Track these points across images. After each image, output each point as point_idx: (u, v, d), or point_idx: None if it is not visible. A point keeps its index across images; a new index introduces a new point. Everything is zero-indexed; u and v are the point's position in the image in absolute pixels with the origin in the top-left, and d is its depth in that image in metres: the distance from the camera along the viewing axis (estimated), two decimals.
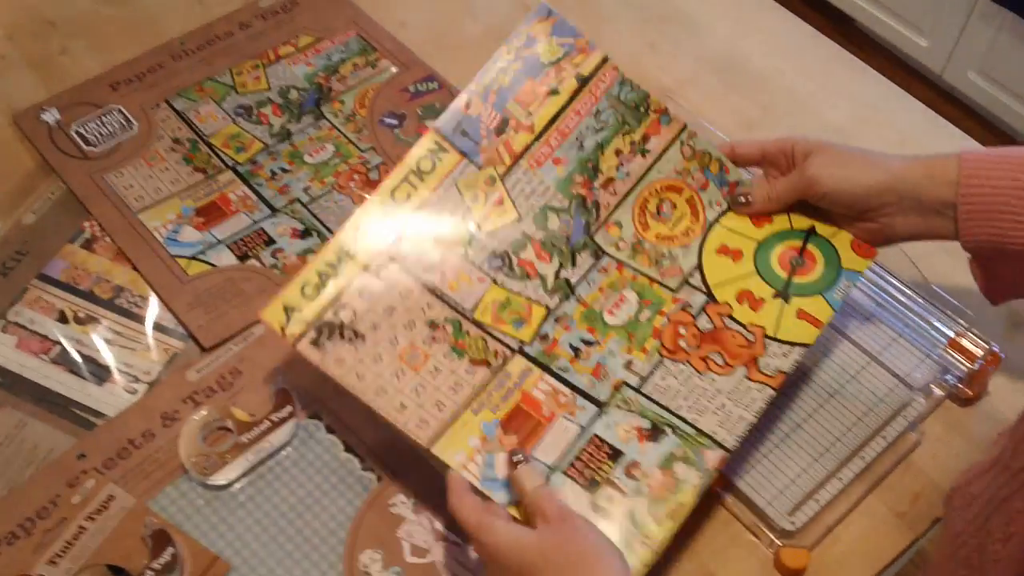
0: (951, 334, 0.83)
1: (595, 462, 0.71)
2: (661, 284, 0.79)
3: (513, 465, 0.69)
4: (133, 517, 0.75)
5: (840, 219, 0.80)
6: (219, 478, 0.76)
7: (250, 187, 0.95)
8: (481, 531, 0.64)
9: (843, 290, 0.78)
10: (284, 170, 0.96)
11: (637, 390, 0.74)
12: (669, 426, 0.72)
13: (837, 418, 0.79)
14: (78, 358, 0.84)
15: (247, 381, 0.82)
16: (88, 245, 0.91)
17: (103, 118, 0.99)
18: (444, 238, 0.76)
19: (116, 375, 0.83)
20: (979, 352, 0.82)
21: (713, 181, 0.82)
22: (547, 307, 0.77)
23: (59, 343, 0.85)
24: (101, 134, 0.98)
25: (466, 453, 0.71)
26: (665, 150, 0.82)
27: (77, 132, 0.98)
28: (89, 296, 0.87)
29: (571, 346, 0.76)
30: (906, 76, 2.20)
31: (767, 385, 0.74)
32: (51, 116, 0.99)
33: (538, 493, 0.66)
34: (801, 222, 0.81)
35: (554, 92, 0.79)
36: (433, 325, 0.74)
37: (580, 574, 0.61)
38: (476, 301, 0.75)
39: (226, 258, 0.90)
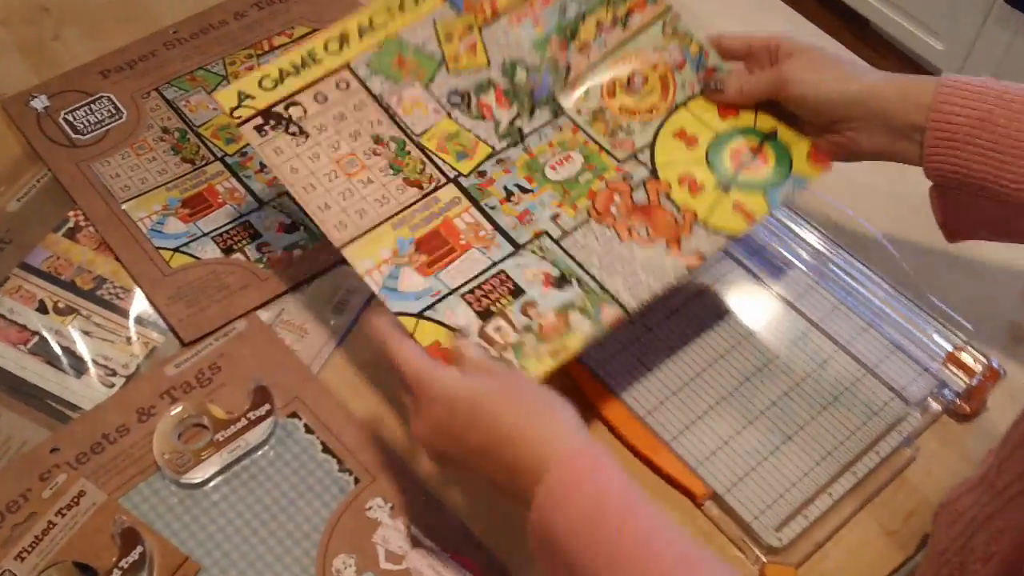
0: (950, 348, 0.80)
1: (495, 294, 0.72)
2: (609, 153, 0.79)
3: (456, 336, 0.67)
4: (103, 514, 0.73)
5: (806, 126, 0.78)
6: (193, 476, 0.75)
7: (238, 179, 0.93)
8: (422, 373, 0.63)
9: (786, 193, 0.77)
10: None
11: (556, 241, 0.75)
12: (577, 279, 0.73)
13: (830, 431, 0.77)
14: (57, 349, 0.82)
15: (226, 377, 0.80)
16: (72, 235, 0.89)
17: (92, 106, 0.98)
18: (409, 66, 0.79)
19: (94, 368, 0.81)
20: (978, 367, 0.79)
21: (690, 62, 0.82)
22: (492, 148, 0.79)
23: (38, 333, 0.83)
24: (89, 122, 0.96)
25: (374, 261, 0.73)
26: (646, 26, 0.82)
27: (65, 119, 0.96)
28: (70, 287, 0.86)
29: (505, 188, 0.77)
30: None
31: (681, 262, 0.74)
32: (40, 103, 0.98)
33: (479, 358, 0.65)
34: (765, 122, 0.80)
35: None
36: (377, 140, 0.77)
37: (525, 415, 0.60)
38: (426, 128, 0.78)
39: (211, 251, 0.88)
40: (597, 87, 0.81)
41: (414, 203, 0.75)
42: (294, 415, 0.79)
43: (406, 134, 0.78)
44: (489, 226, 0.75)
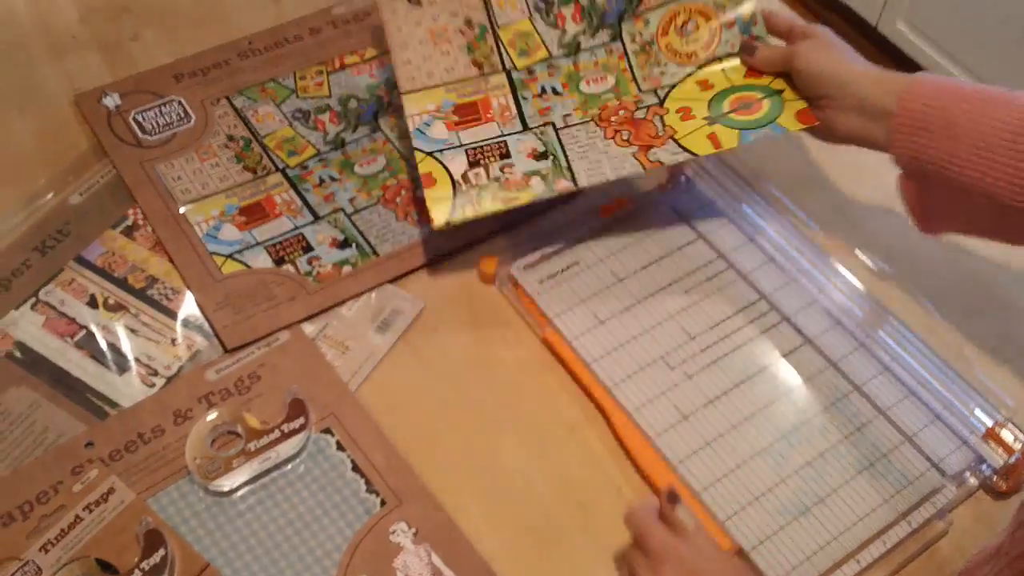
0: (990, 423, 0.79)
1: (489, 153, 0.89)
2: (637, 83, 0.93)
3: (671, 501, 0.69)
4: (130, 513, 0.74)
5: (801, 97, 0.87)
6: (222, 484, 0.75)
7: (297, 191, 0.94)
8: (681, 540, 0.68)
9: (761, 135, 0.86)
10: (333, 178, 0.95)
11: (556, 129, 0.90)
12: (553, 156, 0.88)
13: (863, 496, 0.76)
14: (103, 345, 0.84)
15: (265, 387, 0.81)
16: (129, 232, 0.91)
17: (162, 108, 1.00)
18: None
19: (137, 366, 0.83)
20: (1017, 445, 0.77)
21: (739, 24, 0.92)
22: (550, 53, 0.94)
23: (86, 328, 0.84)
24: (158, 123, 0.98)
25: (420, 109, 0.91)
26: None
27: (135, 119, 0.98)
28: (122, 284, 0.87)
29: (542, 87, 0.93)
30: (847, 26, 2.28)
31: (641, 164, 0.85)
32: (112, 101, 1.00)
33: (699, 532, 0.69)
34: (778, 84, 0.89)
35: None
36: (468, 22, 0.94)
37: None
38: (508, 22, 0.94)
39: (262, 260, 0.89)
40: (656, 22, 0.93)
41: (471, 78, 0.92)
42: (327, 431, 0.79)
43: (491, 22, 0.94)
44: (515, 108, 0.91)
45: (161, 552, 0.71)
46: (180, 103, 1.00)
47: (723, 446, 0.78)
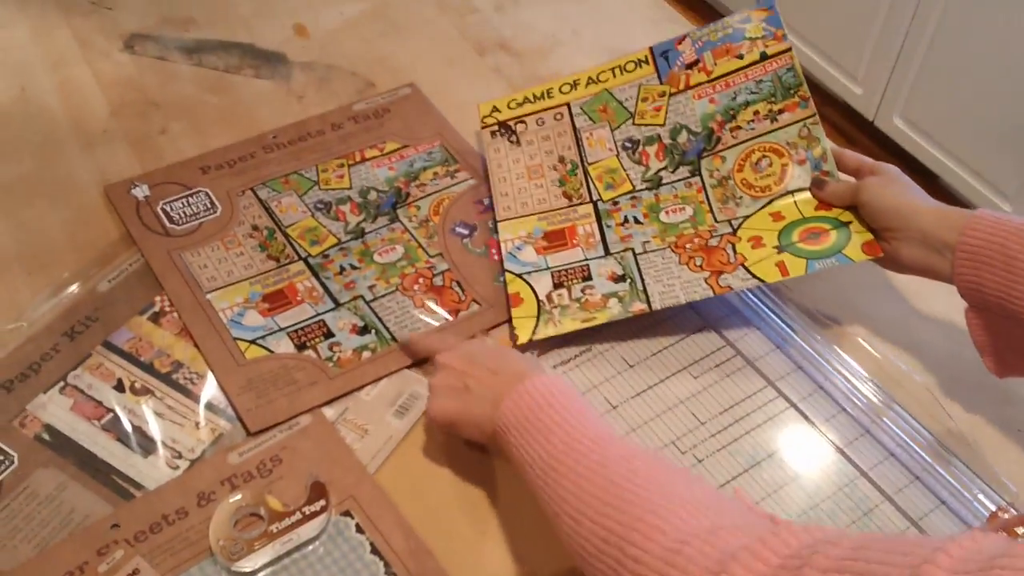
0: (993, 508, 0.81)
1: (572, 276, 0.96)
2: (713, 215, 0.98)
3: None
4: None
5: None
6: (244, 565, 0.77)
7: (318, 279, 0.97)
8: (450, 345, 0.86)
9: (827, 264, 0.90)
10: (353, 267, 0.99)
11: (635, 255, 0.97)
12: (631, 279, 0.95)
13: None
14: (128, 428, 0.86)
15: (286, 470, 0.83)
16: (155, 319, 0.94)
17: (190, 199, 1.04)
18: (609, 113, 1.06)
19: (162, 449, 0.85)
20: (1020, 530, 0.79)
21: (810, 161, 0.97)
22: (634, 186, 1.02)
23: (112, 411, 0.87)
24: (185, 213, 1.02)
25: (512, 236, 1.01)
26: (790, 124, 0.98)
27: (163, 209, 1.02)
28: (149, 368, 0.90)
29: (625, 216, 1.00)
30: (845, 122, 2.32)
31: (712, 289, 0.91)
32: (141, 191, 1.04)
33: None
34: (846, 216, 0.93)
35: (740, 57, 1.02)
36: (561, 160, 1.05)
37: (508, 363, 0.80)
38: (597, 159, 1.04)
39: (284, 346, 0.92)
40: (733, 158, 0.99)
41: (561, 209, 1.02)
42: (347, 513, 0.81)
43: (581, 159, 1.04)
44: (598, 235, 0.99)
45: None
46: (207, 194, 1.04)
47: None
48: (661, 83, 1.04)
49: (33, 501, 0.81)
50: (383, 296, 0.96)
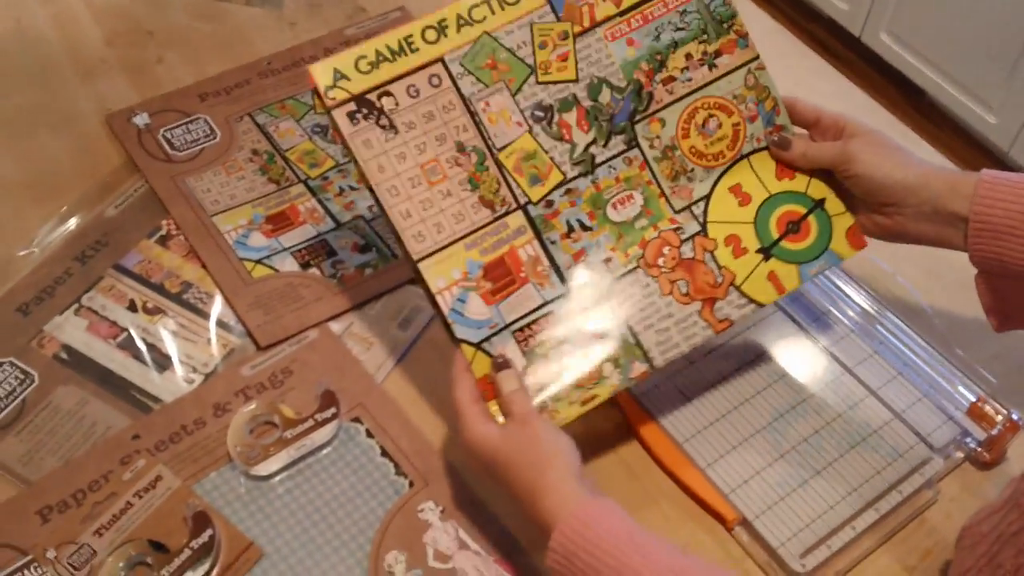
0: (973, 399, 0.85)
1: (541, 337, 0.78)
2: (668, 200, 0.82)
3: (496, 368, 0.76)
4: (177, 498, 0.79)
5: (857, 203, 0.83)
6: (261, 469, 0.81)
7: (319, 201, 1.00)
8: (462, 419, 0.73)
9: (819, 269, 0.83)
10: (352, 188, 1.01)
11: (604, 287, 0.79)
12: (616, 330, 0.79)
13: (856, 469, 0.82)
14: (143, 346, 0.89)
15: (297, 381, 0.87)
16: (163, 242, 0.96)
17: (189, 125, 1.06)
18: (501, 70, 0.79)
19: (176, 365, 0.88)
20: (999, 419, 0.83)
21: (762, 116, 0.85)
22: (564, 175, 0.80)
23: (127, 330, 0.90)
24: (186, 140, 1.04)
25: (446, 281, 0.77)
26: (731, 71, 0.84)
27: (164, 136, 1.04)
28: (159, 289, 0.93)
29: (568, 223, 0.80)
30: (974, 151, 2.23)
31: (711, 327, 0.80)
32: (141, 120, 1.06)
33: (511, 396, 0.74)
34: (817, 190, 0.84)
35: None
36: (461, 148, 0.78)
37: (536, 470, 0.69)
38: (507, 142, 0.79)
39: (289, 264, 0.95)
40: (674, 122, 0.83)
41: (486, 225, 0.78)
42: (357, 420, 0.85)
43: (488, 147, 0.79)
44: (547, 262, 0.79)
45: (209, 532, 0.77)
46: (206, 121, 1.06)
47: (725, 426, 0.84)
48: (558, 19, 0.80)
49: (56, 416, 0.84)
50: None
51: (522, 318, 0.77)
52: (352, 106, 0.76)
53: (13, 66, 1.13)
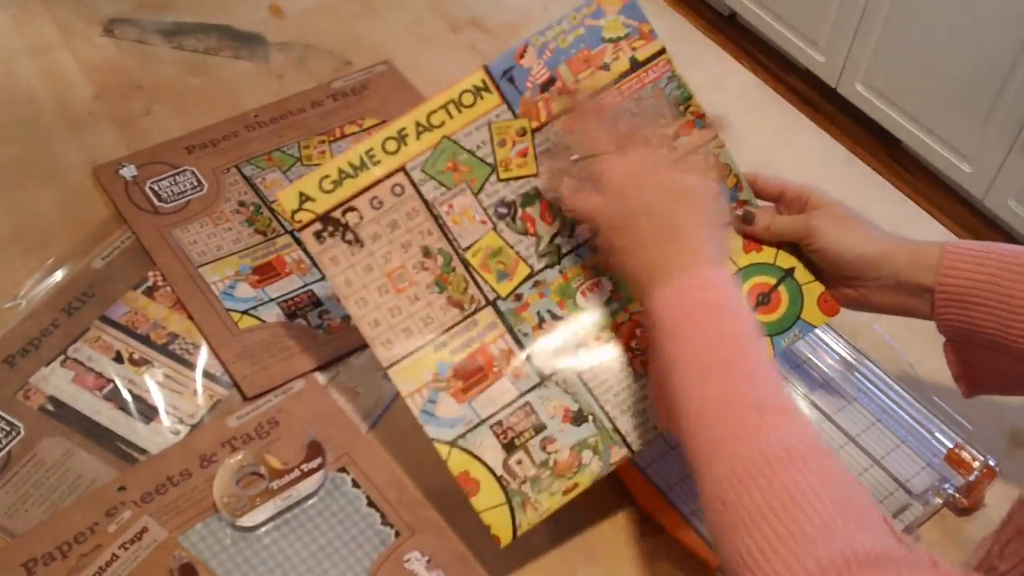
0: (950, 445, 0.86)
1: (520, 428, 0.78)
2: None
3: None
4: (163, 550, 0.80)
5: (823, 275, 0.84)
6: (247, 520, 0.81)
7: (305, 251, 1.01)
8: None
9: (792, 338, 0.83)
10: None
11: (579, 375, 0.80)
12: (592, 415, 0.79)
13: None
14: (128, 397, 0.90)
15: (283, 431, 0.88)
16: (150, 293, 0.97)
17: (176, 177, 1.07)
18: (462, 171, 0.81)
19: (162, 415, 0.89)
20: (976, 464, 0.85)
21: (725, 192, 0.84)
22: (531, 268, 0.81)
23: (113, 381, 0.91)
24: (173, 192, 1.06)
25: (416, 385, 0.78)
26: (691, 151, 0.85)
27: (151, 188, 1.06)
28: (145, 340, 0.94)
29: (539, 314, 0.81)
30: (949, 199, 2.27)
31: None
32: (129, 171, 1.07)
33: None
34: (786, 260, 0.84)
35: (605, 67, 0.83)
36: (426, 252, 0.80)
37: (680, 205, 0.73)
38: (472, 241, 0.80)
39: (276, 315, 0.96)
40: None
41: (455, 325, 0.79)
42: (343, 470, 0.85)
43: (453, 248, 0.80)
44: (521, 356, 0.80)
45: None
46: (193, 173, 1.08)
47: None
48: (515, 116, 0.81)
49: (41, 468, 0.85)
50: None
51: (500, 411, 0.78)
52: (318, 226, 0.79)
53: (1, 118, 1.14)
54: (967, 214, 2.22)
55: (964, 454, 0.85)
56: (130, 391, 0.90)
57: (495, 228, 0.81)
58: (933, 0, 2.07)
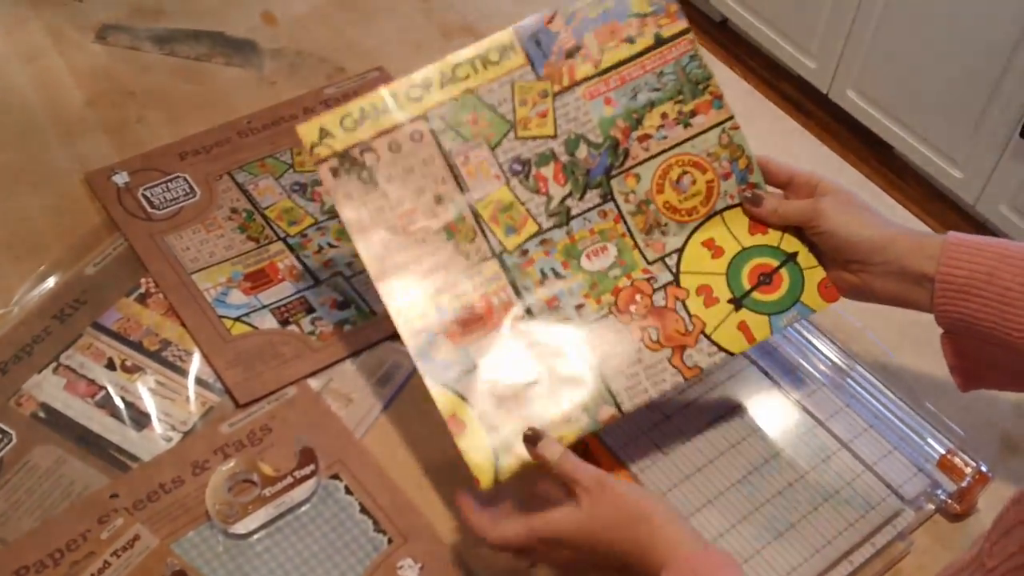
0: (943, 451, 0.86)
1: (512, 379, 0.79)
2: (641, 252, 0.84)
3: (532, 441, 0.76)
4: (156, 557, 0.79)
5: (826, 260, 0.85)
6: (240, 527, 0.81)
7: (297, 258, 1.01)
8: (536, 528, 0.73)
9: (790, 320, 0.84)
10: (331, 245, 1.03)
11: (576, 332, 0.81)
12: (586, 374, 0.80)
13: (830, 521, 0.83)
14: (121, 404, 0.90)
15: (276, 438, 0.87)
16: (142, 300, 0.97)
17: (169, 184, 1.07)
18: (481, 125, 0.83)
19: (155, 422, 0.89)
20: (968, 470, 0.85)
21: (736, 174, 0.87)
22: (540, 226, 0.83)
23: (105, 388, 0.91)
24: (166, 199, 1.05)
25: (416, 326, 0.79)
26: (706, 130, 0.87)
27: (144, 195, 1.05)
28: (138, 347, 0.94)
29: (542, 271, 0.82)
30: (941, 205, 2.28)
31: (681, 373, 0.81)
32: (121, 178, 1.07)
33: (564, 464, 0.74)
34: (790, 244, 0.86)
35: (630, 40, 0.85)
36: (438, 200, 0.81)
37: (638, 529, 0.70)
38: (484, 194, 0.82)
39: (268, 322, 0.96)
40: (649, 177, 0.85)
41: (460, 272, 0.81)
42: (336, 476, 0.85)
43: (465, 198, 0.82)
44: (521, 307, 0.81)
45: None
46: (185, 179, 1.08)
47: (700, 480, 0.85)
48: (539, 78, 0.83)
49: (33, 475, 0.84)
50: (361, 272, 1.00)
51: (493, 360, 0.79)
52: (335, 162, 0.80)
53: None
54: (958, 219, 2.23)
55: (956, 460, 0.86)
56: (122, 398, 0.90)
57: (508, 184, 0.83)
58: (924, 7, 2.08)
